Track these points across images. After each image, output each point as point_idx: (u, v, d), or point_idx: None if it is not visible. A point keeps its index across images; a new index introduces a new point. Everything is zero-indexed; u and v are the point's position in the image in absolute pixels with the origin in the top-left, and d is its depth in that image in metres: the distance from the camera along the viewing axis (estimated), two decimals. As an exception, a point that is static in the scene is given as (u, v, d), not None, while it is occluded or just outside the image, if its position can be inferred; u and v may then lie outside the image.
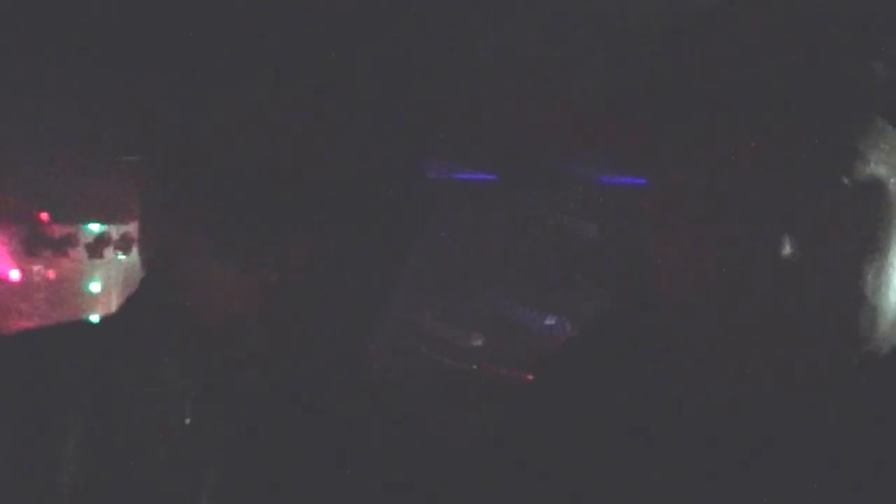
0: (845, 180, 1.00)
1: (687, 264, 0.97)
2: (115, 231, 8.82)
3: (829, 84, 0.98)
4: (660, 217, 1.01)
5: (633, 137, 1.06)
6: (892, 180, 1.01)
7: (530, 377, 1.10)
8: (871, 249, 1.05)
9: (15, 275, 10.42)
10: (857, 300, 1.01)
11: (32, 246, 8.52)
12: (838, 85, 0.98)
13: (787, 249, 0.94)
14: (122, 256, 9.02)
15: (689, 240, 0.97)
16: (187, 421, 0.86)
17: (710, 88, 0.96)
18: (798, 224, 0.96)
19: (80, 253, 8.89)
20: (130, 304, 0.97)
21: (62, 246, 8.67)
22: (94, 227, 8.91)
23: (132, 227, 8.56)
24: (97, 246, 8.89)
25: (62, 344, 0.96)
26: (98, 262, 9.22)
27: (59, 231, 8.63)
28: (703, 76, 0.96)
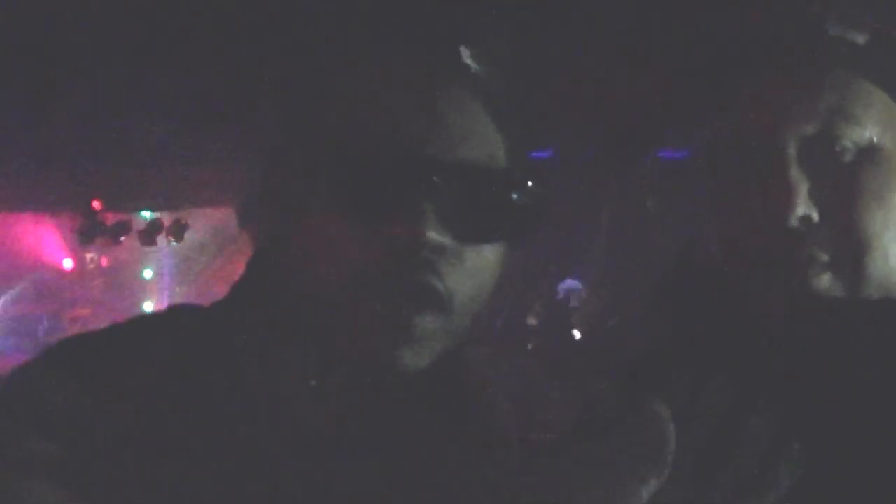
0: (845, 144, 0.99)
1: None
2: (167, 218, 8.88)
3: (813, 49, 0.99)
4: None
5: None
6: (887, 142, 0.99)
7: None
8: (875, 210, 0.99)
9: (68, 263, 10.55)
10: (865, 260, 0.98)
11: (86, 234, 8.60)
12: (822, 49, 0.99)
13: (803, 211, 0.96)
14: (174, 244, 9.12)
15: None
16: (310, 404, 0.91)
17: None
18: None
19: (132, 241, 8.98)
20: (243, 285, 0.99)
21: (115, 234, 8.74)
22: (147, 215, 8.98)
23: (184, 214, 8.64)
24: (150, 233, 8.97)
25: (176, 331, 0.97)
26: (150, 249, 9.32)
27: (112, 219, 8.69)
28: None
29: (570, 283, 7.46)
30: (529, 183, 0.97)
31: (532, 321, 8.67)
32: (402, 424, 0.93)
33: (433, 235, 0.88)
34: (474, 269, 0.93)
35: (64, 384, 0.88)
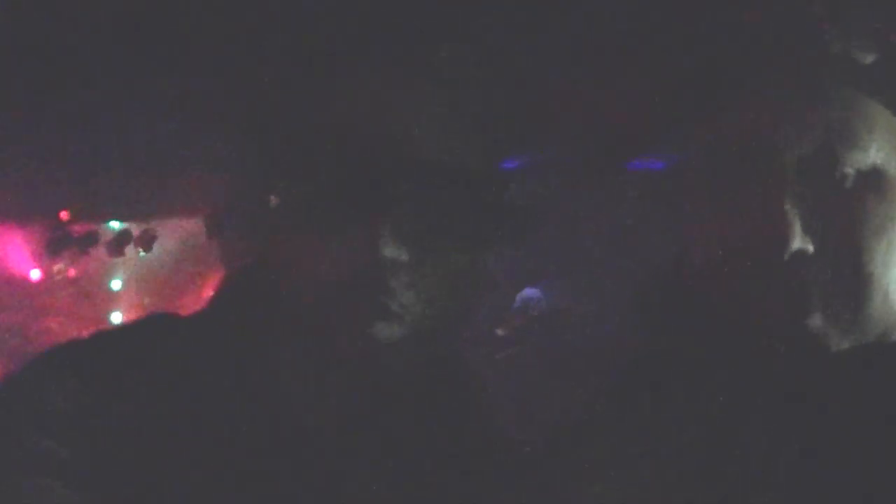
0: (846, 170, 0.95)
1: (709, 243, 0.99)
2: (135, 228, 8.87)
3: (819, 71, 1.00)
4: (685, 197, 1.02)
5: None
6: (892, 168, 0.96)
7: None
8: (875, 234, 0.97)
9: (36, 274, 10.53)
10: (864, 297, 0.96)
11: (53, 245, 8.54)
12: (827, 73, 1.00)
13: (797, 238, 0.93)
14: (143, 254, 9.11)
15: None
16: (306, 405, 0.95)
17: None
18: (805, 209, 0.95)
19: (100, 251, 8.94)
20: (233, 293, 1.02)
21: (83, 244, 8.70)
22: (115, 225, 8.97)
23: (153, 224, 8.64)
24: (118, 244, 8.94)
25: (161, 339, 0.99)
26: (119, 260, 9.31)
27: (79, 230, 8.66)
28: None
29: (530, 291, 7.50)
30: (497, 193, 1.02)
31: (500, 331, 8.70)
32: (401, 424, 0.94)
33: (388, 252, 0.94)
34: (436, 279, 0.98)
35: (65, 386, 0.88)
